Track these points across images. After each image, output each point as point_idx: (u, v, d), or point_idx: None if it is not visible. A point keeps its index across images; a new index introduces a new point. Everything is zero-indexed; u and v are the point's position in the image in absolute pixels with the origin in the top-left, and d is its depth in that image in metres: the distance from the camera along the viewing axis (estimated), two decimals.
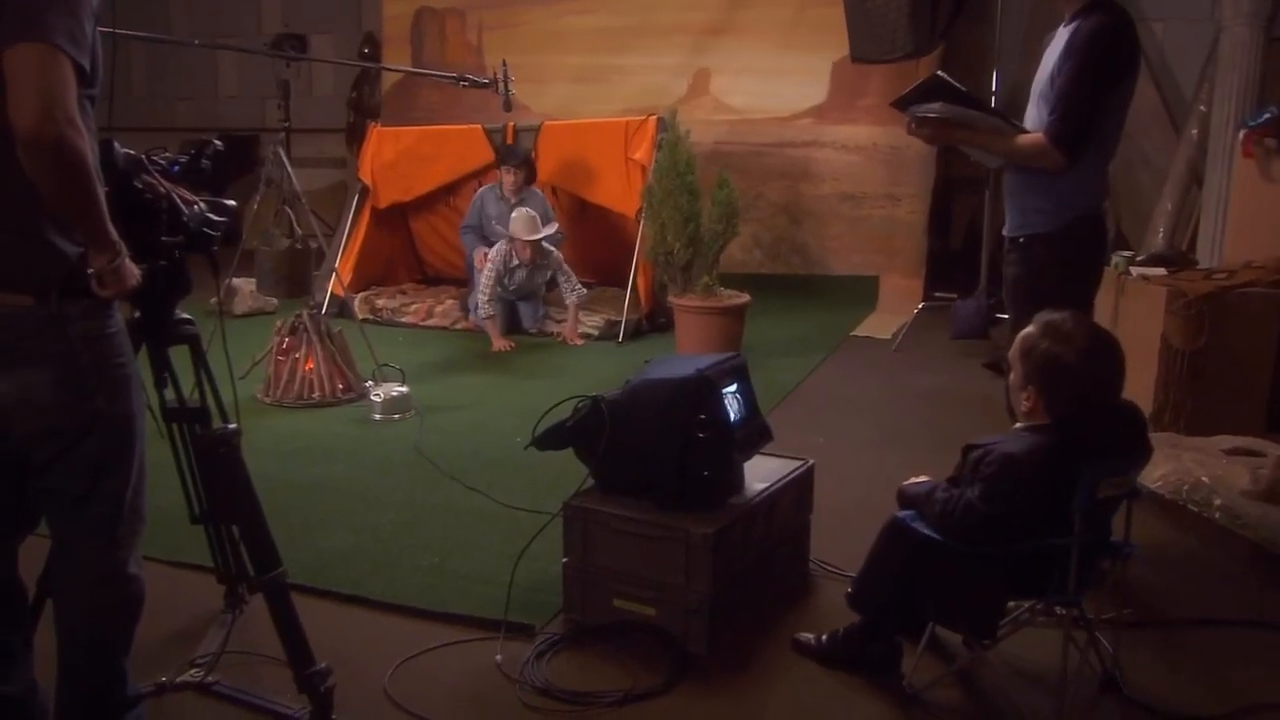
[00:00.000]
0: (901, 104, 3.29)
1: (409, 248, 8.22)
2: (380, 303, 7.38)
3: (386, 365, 5.42)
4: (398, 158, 7.48)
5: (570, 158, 7.15)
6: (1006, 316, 3.56)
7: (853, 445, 4.82)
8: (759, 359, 5.81)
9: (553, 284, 6.85)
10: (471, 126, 7.33)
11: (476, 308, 6.59)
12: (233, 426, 2.52)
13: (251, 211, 5.63)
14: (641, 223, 6.38)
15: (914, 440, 4.87)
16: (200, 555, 3.04)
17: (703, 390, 3.00)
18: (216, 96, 10.91)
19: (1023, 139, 3.20)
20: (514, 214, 6.47)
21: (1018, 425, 2.73)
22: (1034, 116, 3.26)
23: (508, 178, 6.81)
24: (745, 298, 5.98)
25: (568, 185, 7.30)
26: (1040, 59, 3.28)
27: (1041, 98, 3.22)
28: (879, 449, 4.77)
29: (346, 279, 7.14)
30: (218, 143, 2.47)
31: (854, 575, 2.96)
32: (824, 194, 8.03)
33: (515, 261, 6.53)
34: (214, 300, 2.69)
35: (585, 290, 6.75)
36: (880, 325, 7.18)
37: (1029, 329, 2.68)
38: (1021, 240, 3.28)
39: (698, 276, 5.91)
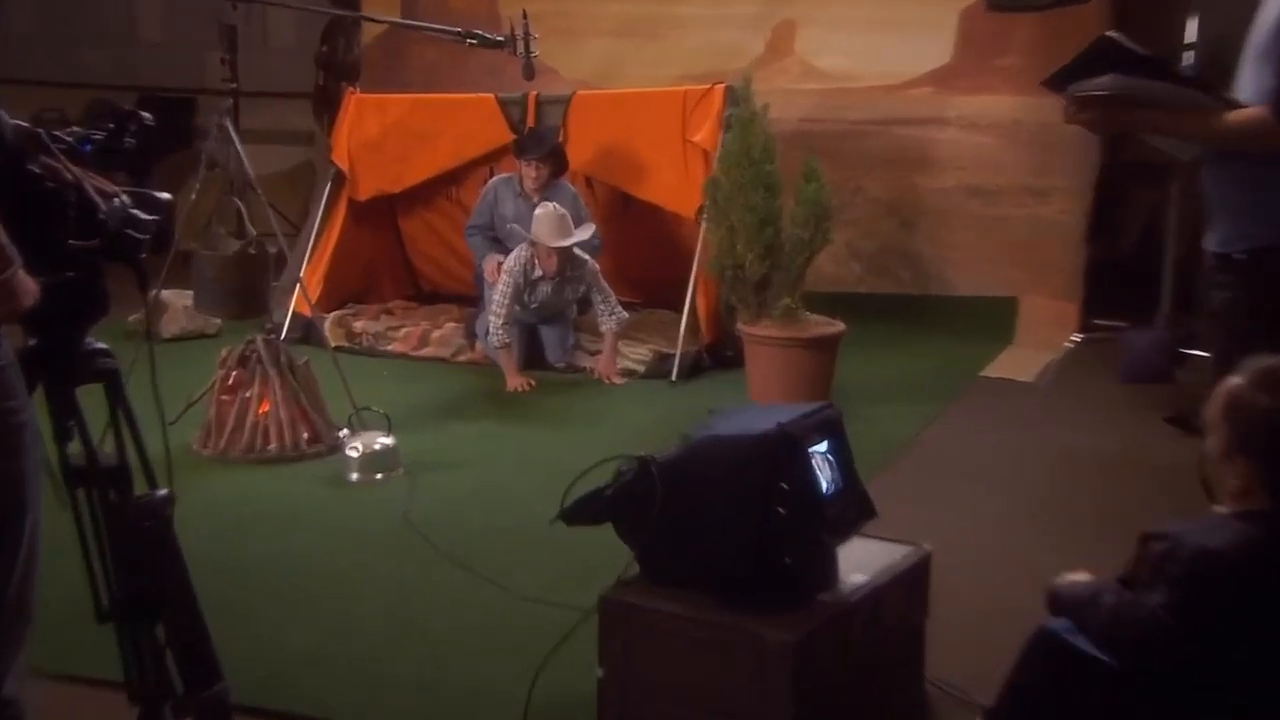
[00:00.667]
0: (1058, 81, 3.18)
1: (397, 253, 8.20)
2: (359, 326, 7.45)
3: (367, 409, 5.44)
4: (383, 134, 7.49)
5: (610, 139, 7.12)
6: (1202, 355, 3.52)
7: (984, 527, 4.77)
8: (857, 408, 5.82)
9: (586, 304, 6.90)
10: (482, 96, 7.35)
11: (486, 334, 6.62)
12: (162, 493, 2.47)
13: (188, 202, 5.59)
14: (703, 226, 6.45)
15: (1069, 522, 4.80)
16: (108, 666, 2.88)
17: (784, 451, 2.99)
18: (135, 42, 10.66)
19: (1234, 116, 3.07)
20: (538, 211, 6.52)
21: (1220, 508, 2.67)
22: (1251, 83, 3.13)
23: (529, 172, 6.89)
24: (839, 326, 5.99)
25: (606, 175, 7.28)
26: (1258, 3, 3.14)
27: (1262, 57, 3.08)
28: (1020, 533, 4.70)
29: (315, 294, 7.19)
30: (146, 116, 2.41)
31: (987, 705, 2.89)
32: (946, 187, 8.08)
33: (538, 273, 6.55)
34: (134, 318, 2.60)
35: (627, 314, 6.74)
36: (1020, 363, 7.15)
37: (1239, 378, 2.62)
38: (1238, 257, 3.16)
39: (776, 297, 5.98)
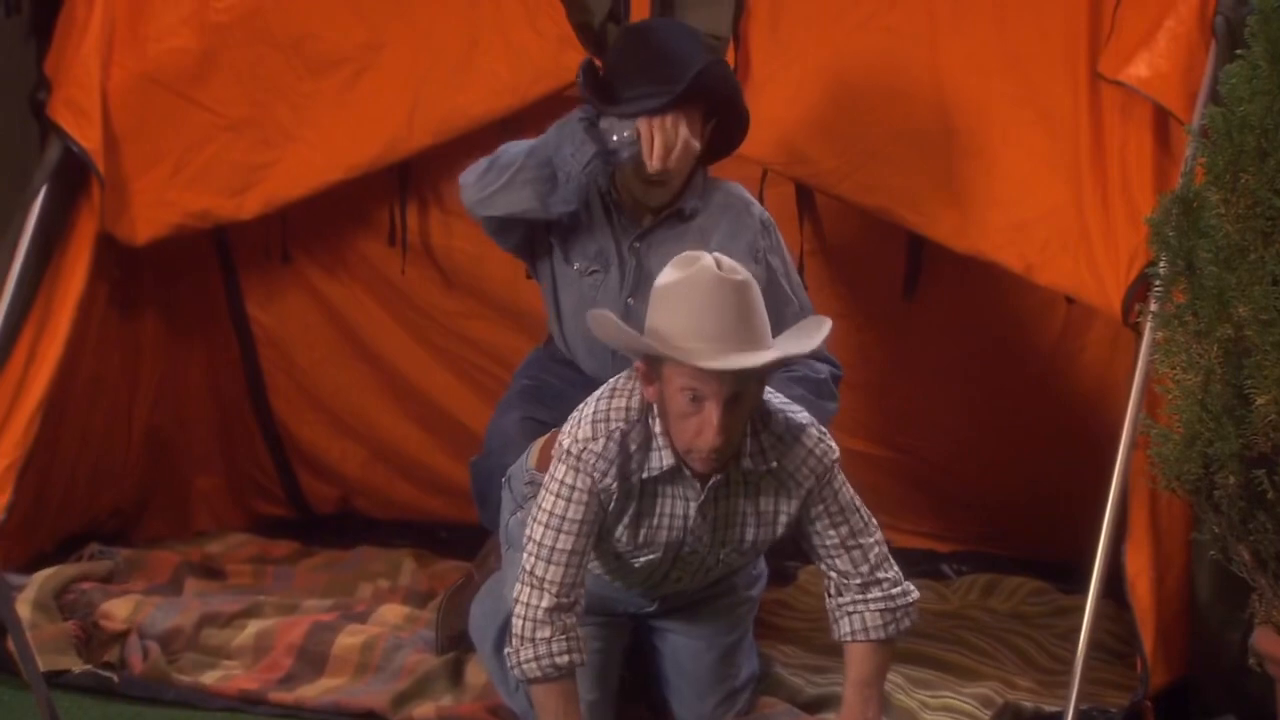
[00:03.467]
0: None
1: (239, 401, 6.08)
2: (123, 612, 5.07)
3: None
4: (204, 57, 5.26)
5: (869, 78, 5.01)
6: None
7: None
8: None
9: (789, 563, 5.31)
10: None
11: (505, 641, 4.47)
12: None
13: None
14: (1146, 337, 4.48)
15: None
16: None
17: None
18: None
19: None
20: (671, 279, 4.34)
21: None
22: None
23: (654, 144, 4.65)
24: None
25: (852, 187, 5.05)
26: None
27: None
28: None
29: None
30: None
31: None
32: None
33: (661, 462, 4.40)
34: None
35: (915, 592, 4.55)
36: None
37: None
38: None
39: None
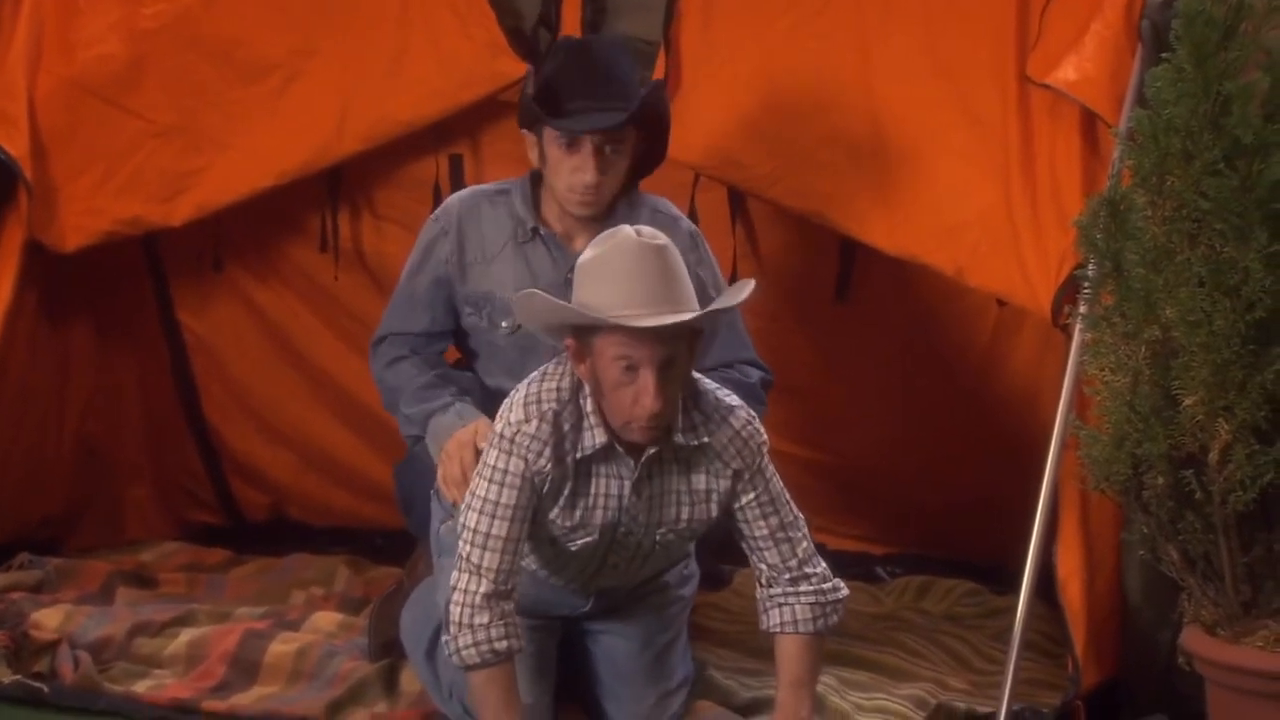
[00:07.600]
0: None
1: (170, 408, 6.00)
2: (54, 621, 5.08)
3: None
4: (134, 62, 5.26)
5: (798, 85, 4.98)
6: None
7: None
8: None
9: (723, 562, 5.25)
10: None
11: (441, 639, 4.52)
12: None
13: None
14: (1076, 338, 4.58)
15: None
16: None
17: None
18: None
19: None
20: (594, 254, 4.59)
21: None
22: None
23: (578, 166, 4.74)
24: None
25: (784, 191, 5.07)
26: None
27: None
28: None
29: None
30: None
31: None
32: None
33: (594, 440, 4.50)
34: None
35: (845, 589, 4.55)
36: None
37: None
38: None
39: None
